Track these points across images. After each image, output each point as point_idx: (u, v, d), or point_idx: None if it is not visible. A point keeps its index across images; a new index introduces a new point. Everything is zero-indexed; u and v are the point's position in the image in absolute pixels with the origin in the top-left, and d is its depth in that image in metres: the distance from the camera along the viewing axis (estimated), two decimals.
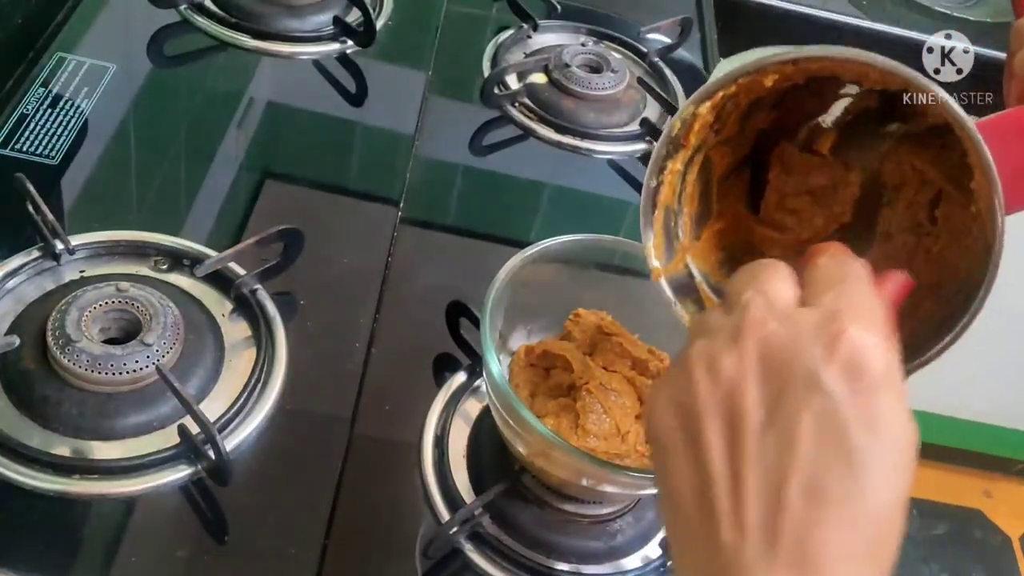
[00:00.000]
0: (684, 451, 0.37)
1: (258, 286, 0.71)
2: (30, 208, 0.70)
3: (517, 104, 0.96)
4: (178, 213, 0.78)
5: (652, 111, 0.99)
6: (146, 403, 0.62)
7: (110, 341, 0.64)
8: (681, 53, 1.10)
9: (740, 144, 0.51)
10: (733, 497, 0.35)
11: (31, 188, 0.70)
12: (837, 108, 0.50)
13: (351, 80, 0.95)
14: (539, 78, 0.98)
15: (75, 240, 0.70)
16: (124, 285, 0.65)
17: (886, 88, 0.45)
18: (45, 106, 0.82)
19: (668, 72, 1.05)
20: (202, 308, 0.69)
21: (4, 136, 0.78)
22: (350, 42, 0.97)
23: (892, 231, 0.49)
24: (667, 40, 1.09)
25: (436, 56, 1.01)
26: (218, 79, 0.94)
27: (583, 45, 1.02)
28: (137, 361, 0.62)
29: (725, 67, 0.46)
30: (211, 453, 0.59)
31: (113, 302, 0.64)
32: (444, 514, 0.62)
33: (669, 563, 0.63)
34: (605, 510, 0.64)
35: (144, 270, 0.71)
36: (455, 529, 0.61)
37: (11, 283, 0.68)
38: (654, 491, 0.59)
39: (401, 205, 0.83)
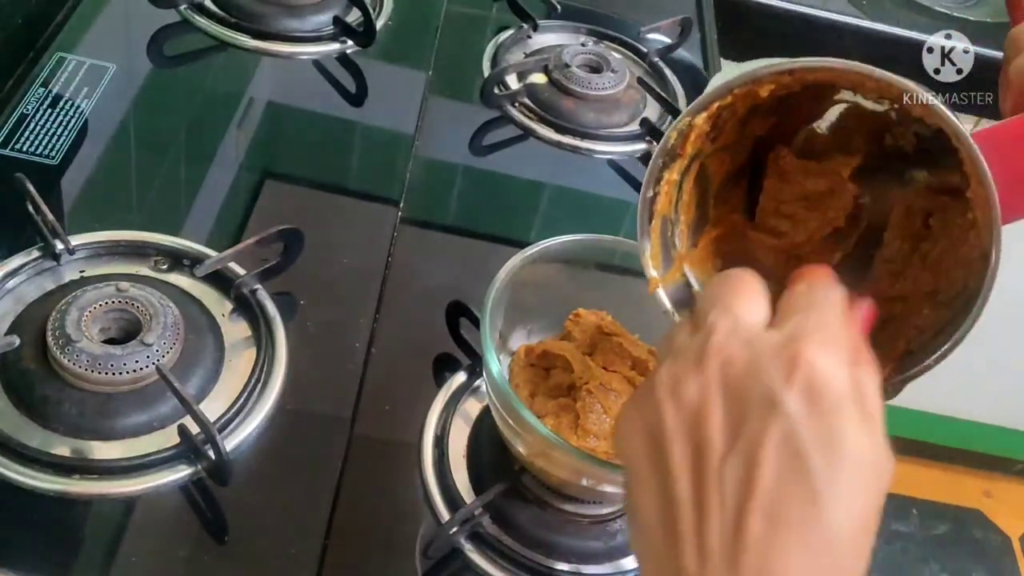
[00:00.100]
0: (650, 474, 0.37)
1: (258, 286, 0.71)
2: (30, 208, 0.70)
3: (517, 104, 0.96)
4: (178, 213, 0.78)
5: (652, 111, 0.99)
6: (146, 403, 0.62)
7: (110, 341, 0.64)
8: (681, 53, 1.10)
9: (738, 151, 0.51)
10: (696, 522, 0.35)
11: (31, 188, 0.70)
12: (833, 113, 0.50)
13: (351, 80, 0.95)
14: (539, 78, 0.98)
15: (75, 240, 0.70)
16: (124, 285, 0.65)
17: (882, 97, 0.45)
18: (45, 106, 0.82)
19: (668, 72, 1.05)
20: (202, 308, 0.69)
21: (4, 136, 0.78)
22: (350, 42, 0.96)
23: (890, 237, 0.49)
24: (667, 40, 1.09)
25: (436, 56, 1.01)
26: (218, 79, 0.94)
27: (583, 45, 1.02)
28: (137, 361, 0.62)
29: (719, 81, 0.46)
30: (211, 453, 0.59)
31: (113, 302, 0.64)
32: (444, 514, 0.62)
33: None
34: (605, 510, 0.64)
35: (144, 270, 0.71)
36: (455, 529, 0.61)
37: (11, 283, 0.68)
38: None
39: (401, 205, 0.83)
